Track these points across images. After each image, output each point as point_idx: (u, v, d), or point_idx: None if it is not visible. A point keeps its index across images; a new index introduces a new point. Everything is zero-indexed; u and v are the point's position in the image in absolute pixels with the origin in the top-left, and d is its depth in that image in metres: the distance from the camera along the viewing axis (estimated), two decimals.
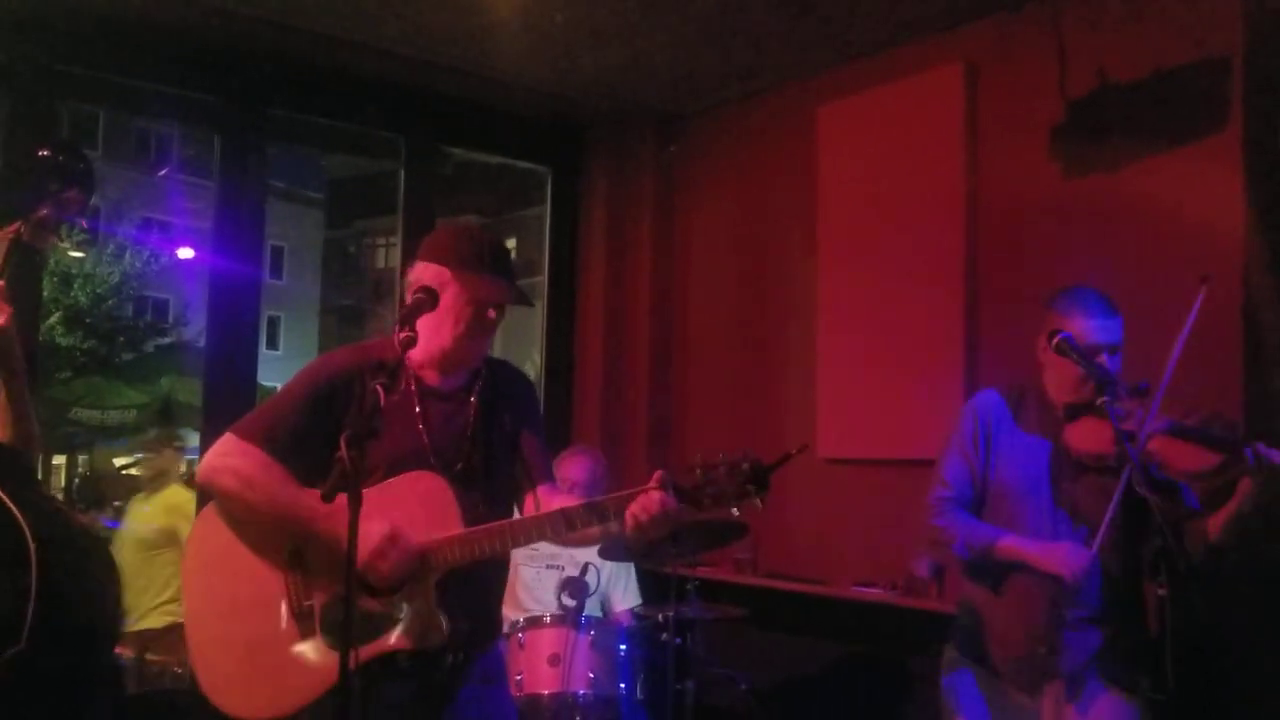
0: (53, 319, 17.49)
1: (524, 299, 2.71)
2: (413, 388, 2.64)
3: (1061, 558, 2.96)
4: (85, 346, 19.60)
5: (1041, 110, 4.52)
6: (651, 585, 5.02)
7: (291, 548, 2.54)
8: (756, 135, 5.95)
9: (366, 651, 2.42)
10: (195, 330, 21.05)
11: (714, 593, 5.03)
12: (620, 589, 4.92)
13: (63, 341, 18.67)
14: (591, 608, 4.60)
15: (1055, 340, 3.01)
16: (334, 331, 34.34)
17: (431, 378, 2.68)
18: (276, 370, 26.14)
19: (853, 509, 5.19)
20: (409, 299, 2.57)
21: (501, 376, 2.79)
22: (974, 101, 4.84)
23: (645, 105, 6.17)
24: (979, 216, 4.81)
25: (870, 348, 5.16)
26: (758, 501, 2.39)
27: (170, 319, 24.69)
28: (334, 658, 2.29)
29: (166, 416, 11.62)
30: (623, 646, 4.46)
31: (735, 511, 2.42)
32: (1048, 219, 4.51)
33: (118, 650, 6.30)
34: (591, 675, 4.35)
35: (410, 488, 2.53)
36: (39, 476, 2.82)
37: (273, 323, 29.99)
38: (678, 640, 4.43)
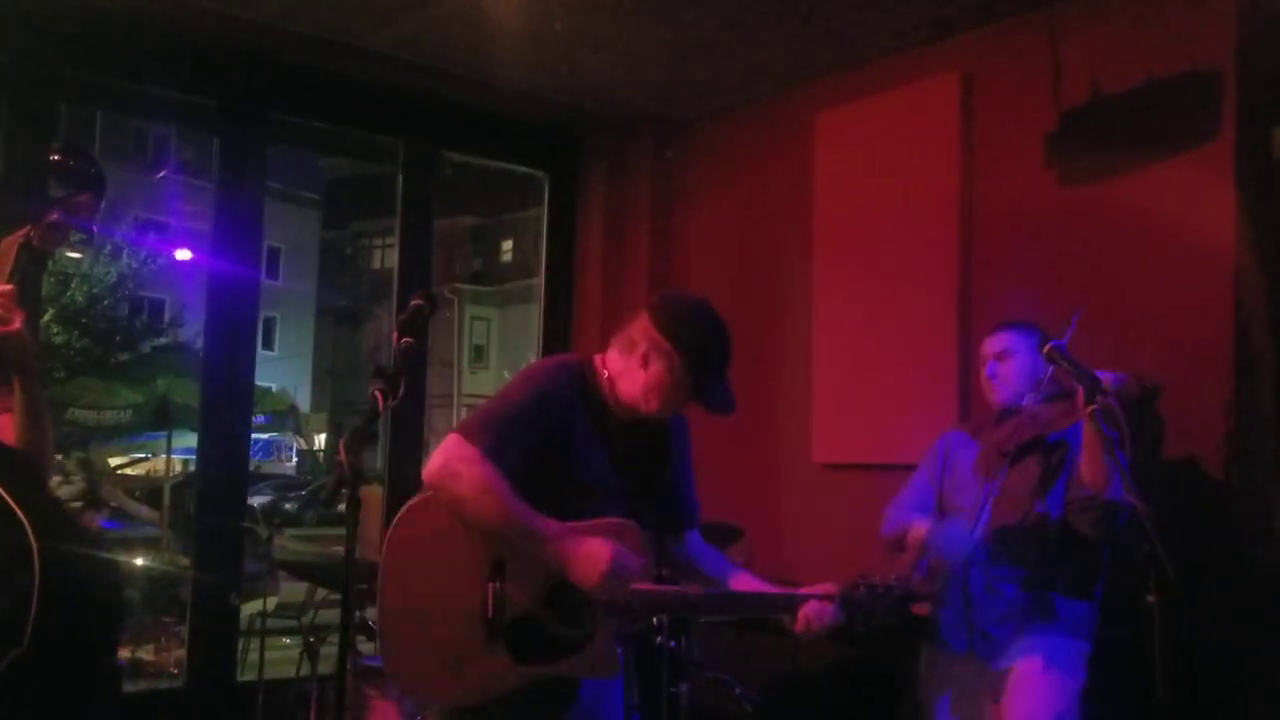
0: (46, 317, 17.47)
1: (729, 409, 2.85)
2: (612, 419, 2.74)
3: (939, 539, 3.39)
4: (81, 346, 19.57)
5: (1036, 119, 4.55)
6: None
7: (495, 558, 2.58)
8: (753, 141, 5.97)
9: (539, 670, 2.56)
10: (192, 331, 21.02)
11: None
12: None
13: (58, 340, 18.65)
14: None
15: (1046, 348, 3.07)
16: (330, 332, 34.36)
17: (623, 412, 2.75)
18: (272, 371, 26.20)
19: (847, 513, 5.20)
20: (639, 351, 2.70)
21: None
22: (969, 110, 4.87)
23: (643, 110, 6.19)
24: (974, 224, 4.84)
25: (865, 353, 5.18)
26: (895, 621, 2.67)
27: (166, 319, 24.67)
28: (511, 670, 2.53)
29: (162, 417, 11.60)
30: (617, 649, 4.47)
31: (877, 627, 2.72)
32: (1042, 227, 4.54)
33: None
34: None
35: (611, 533, 2.60)
36: (51, 479, 2.83)
37: (268, 323, 29.98)
38: (672, 644, 4.44)
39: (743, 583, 2.86)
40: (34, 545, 2.20)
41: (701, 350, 2.75)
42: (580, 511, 2.61)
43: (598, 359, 2.77)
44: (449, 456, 2.55)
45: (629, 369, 2.69)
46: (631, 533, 2.62)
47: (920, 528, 3.44)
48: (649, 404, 2.68)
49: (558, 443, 2.63)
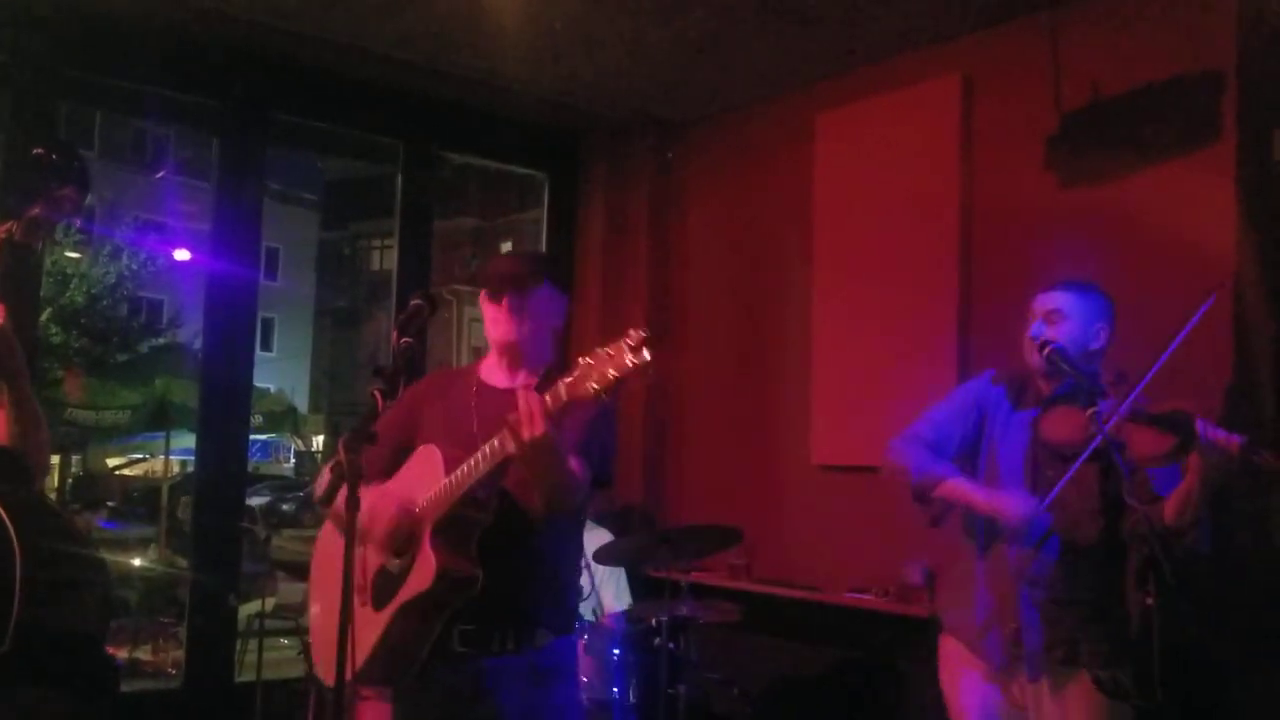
0: (44, 316, 17.45)
1: (518, 272, 2.91)
2: (472, 389, 2.89)
3: (1004, 502, 3.03)
4: (79, 345, 19.55)
5: (1036, 122, 4.55)
6: (645, 589, 5.04)
7: (363, 532, 2.70)
8: (753, 143, 5.98)
9: (389, 609, 2.64)
10: (190, 332, 21.00)
11: (708, 597, 5.04)
12: (612, 591, 4.94)
13: (56, 340, 18.64)
14: (584, 613, 4.62)
15: (1046, 351, 3.05)
16: (328, 333, 34.33)
17: (496, 379, 2.91)
18: (270, 372, 26.18)
19: (846, 515, 5.20)
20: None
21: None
22: (970, 112, 4.87)
23: (643, 112, 6.19)
24: (974, 226, 4.84)
25: (864, 355, 5.18)
26: (644, 362, 2.19)
27: (165, 320, 24.64)
28: (375, 618, 2.66)
29: (161, 418, 11.61)
30: (616, 651, 4.47)
31: (622, 375, 2.22)
32: (1042, 229, 4.54)
33: (111, 650, 6.31)
34: (584, 680, 4.36)
35: (413, 461, 2.78)
36: (45, 477, 2.81)
37: (267, 324, 29.95)
38: (671, 645, 4.44)
39: None
40: (15, 543, 2.19)
41: (490, 275, 2.97)
42: None
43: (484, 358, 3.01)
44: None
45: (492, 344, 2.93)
46: (423, 452, 2.74)
47: (960, 484, 3.13)
48: (493, 343, 2.90)
49: (418, 429, 2.84)
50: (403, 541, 2.67)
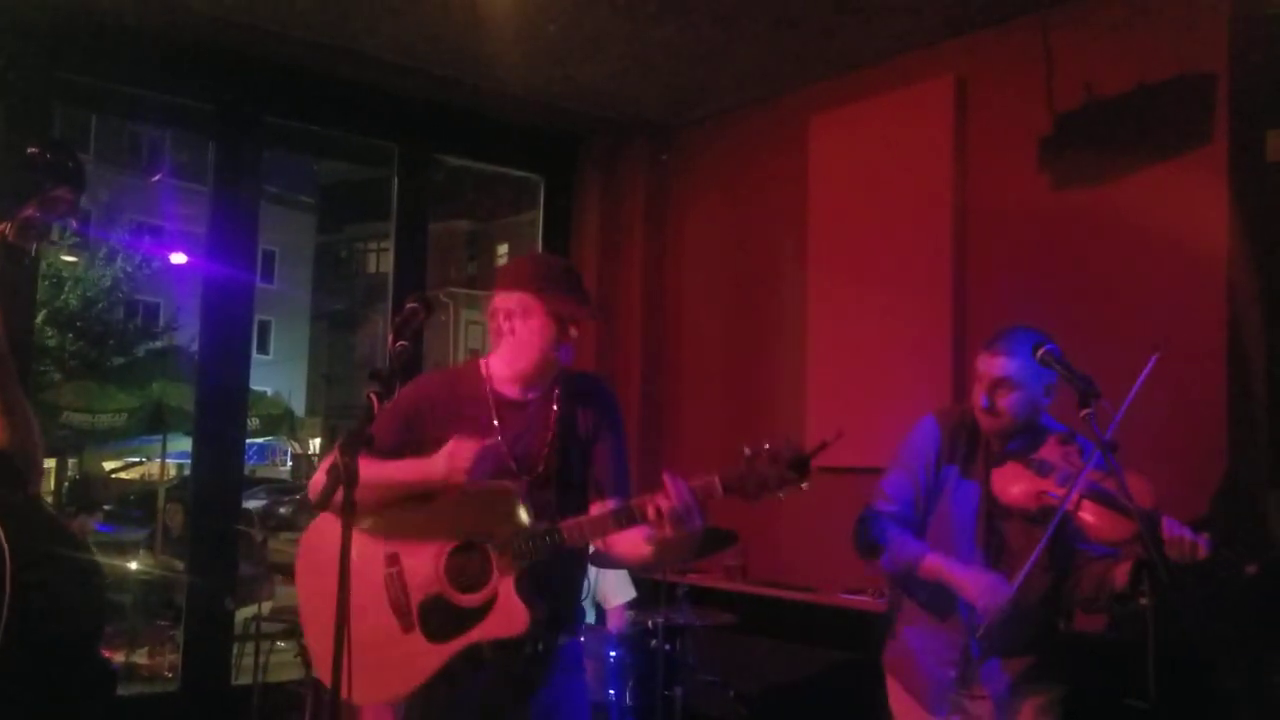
0: (39, 319, 17.44)
1: (600, 314, 2.81)
2: (490, 401, 2.78)
3: (982, 588, 3.01)
4: (75, 349, 19.54)
5: (1029, 122, 4.56)
6: (642, 592, 5.04)
7: (388, 554, 2.70)
8: (748, 144, 5.98)
9: (455, 644, 2.61)
10: (186, 335, 20.99)
11: (704, 599, 5.04)
12: (612, 585, 4.94)
13: (52, 343, 18.63)
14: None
15: (1040, 352, 3.04)
16: (324, 336, 34.31)
17: (511, 391, 2.80)
18: (267, 375, 26.15)
19: (841, 517, 5.18)
20: (493, 326, 2.77)
21: (580, 388, 2.89)
22: (963, 114, 4.89)
23: (638, 114, 6.20)
24: (967, 227, 4.85)
25: (859, 357, 5.19)
26: (802, 486, 2.51)
27: (161, 323, 24.62)
28: (430, 650, 2.61)
29: (157, 421, 11.58)
30: (612, 653, 4.48)
31: (781, 495, 2.52)
32: (1035, 230, 4.55)
33: (107, 654, 6.30)
34: None
35: (480, 493, 2.66)
36: (40, 480, 2.79)
37: (263, 327, 29.91)
38: (667, 647, 4.44)
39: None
40: (4, 546, 2.19)
41: (535, 271, 2.78)
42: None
43: (481, 361, 2.85)
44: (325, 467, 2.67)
45: (502, 351, 2.78)
46: (495, 486, 2.66)
47: (937, 563, 3.12)
48: (545, 349, 2.73)
49: (427, 438, 2.71)
50: (472, 576, 2.63)
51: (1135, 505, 2.77)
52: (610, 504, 2.72)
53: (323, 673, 2.80)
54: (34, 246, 2.59)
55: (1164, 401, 3.88)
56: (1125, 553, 2.95)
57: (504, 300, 2.76)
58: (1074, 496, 2.91)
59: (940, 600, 3.16)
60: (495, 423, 2.75)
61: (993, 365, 3.11)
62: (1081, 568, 3.09)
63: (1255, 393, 3.79)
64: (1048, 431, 3.11)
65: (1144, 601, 2.82)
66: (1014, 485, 3.05)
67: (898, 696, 3.37)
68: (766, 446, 2.53)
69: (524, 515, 2.61)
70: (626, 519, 2.55)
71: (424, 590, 2.65)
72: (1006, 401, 3.08)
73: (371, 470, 2.51)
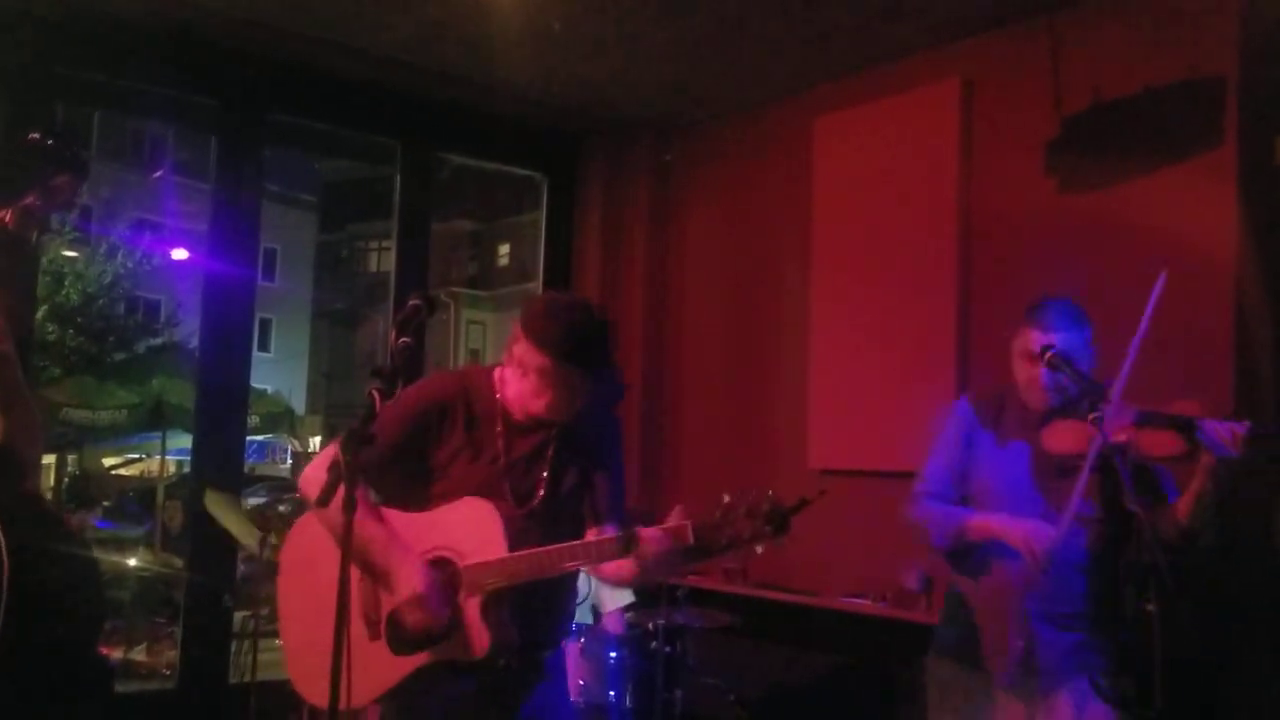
0: (40, 314, 17.43)
1: (609, 395, 2.79)
2: (501, 421, 2.74)
3: (1027, 530, 2.98)
4: (75, 344, 19.52)
5: (1036, 126, 4.54)
6: (642, 594, 5.01)
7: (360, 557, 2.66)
8: (752, 146, 5.97)
9: (413, 661, 2.60)
10: (186, 331, 20.97)
11: (704, 602, 5.02)
12: (609, 590, 4.92)
13: (52, 338, 18.61)
14: (581, 614, 4.60)
15: (1047, 356, 3.02)
16: (326, 335, 34.31)
17: (519, 415, 2.75)
18: (267, 373, 26.13)
19: (843, 520, 5.16)
20: (507, 355, 2.71)
21: (587, 415, 2.82)
22: (969, 116, 4.87)
23: (642, 114, 6.18)
24: (972, 230, 4.83)
25: (862, 359, 5.17)
26: (779, 541, 2.46)
27: (162, 320, 24.60)
28: (393, 661, 2.60)
29: (157, 418, 11.57)
30: (613, 654, 4.46)
31: (758, 550, 2.48)
32: (1041, 234, 4.53)
33: (105, 650, 6.28)
34: (581, 683, 4.36)
35: (463, 513, 2.64)
36: (38, 473, 2.77)
37: (264, 325, 29.91)
38: (667, 649, 4.43)
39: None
40: (2, 543, 2.17)
41: (555, 335, 2.63)
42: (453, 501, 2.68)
43: (496, 370, 2.78)
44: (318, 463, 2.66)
45: (513, 378, 2.71)
46: (477, 507, 2.63)
47: (983, 520, 3.08)
48: (543, 404, 2.67)
49: (432, 441, 2.70)
50: (419, 637, 2.61)
51: (1174, 412, 2.82)
52: (607, 532, 2.70)
53: (294, 674, 2.79)
54: (34, 236, 2.56)
55: (1174, 402, 3.87)
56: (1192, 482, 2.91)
57: (524, 351, 2.65)
58: (1121, 424, 2.88)
59: (992, 576, 3.12)
60: (501, 445, 2.72)
61: (1046, 341, 3.06)
62: (1160, 515, 2.98)
63: (1263, 400, 3.77)
64: (1101, 387, 3.01)
65: (1150, 608, 2.80)
66: (1062, 436, 3.02)
67: (953, 683, 3.26)
68: (742, 499, 2.49)
69: (502, 542, 2.57)
70: (624, 549, 2.55)
71: (394, 600, 2.62)
72: (1063, 375, 3.04)
73: (363, 522, 2.50)
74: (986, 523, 3.09)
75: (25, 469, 2.52)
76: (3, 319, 2.45)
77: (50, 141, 2.54)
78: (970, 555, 3.18)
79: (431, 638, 2.58)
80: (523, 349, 2.65)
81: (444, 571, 2.59)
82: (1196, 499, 2.90)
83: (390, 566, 2.59)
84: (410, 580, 2.56)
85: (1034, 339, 3.09)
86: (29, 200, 2.50)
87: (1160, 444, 2.89)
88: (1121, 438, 2.89)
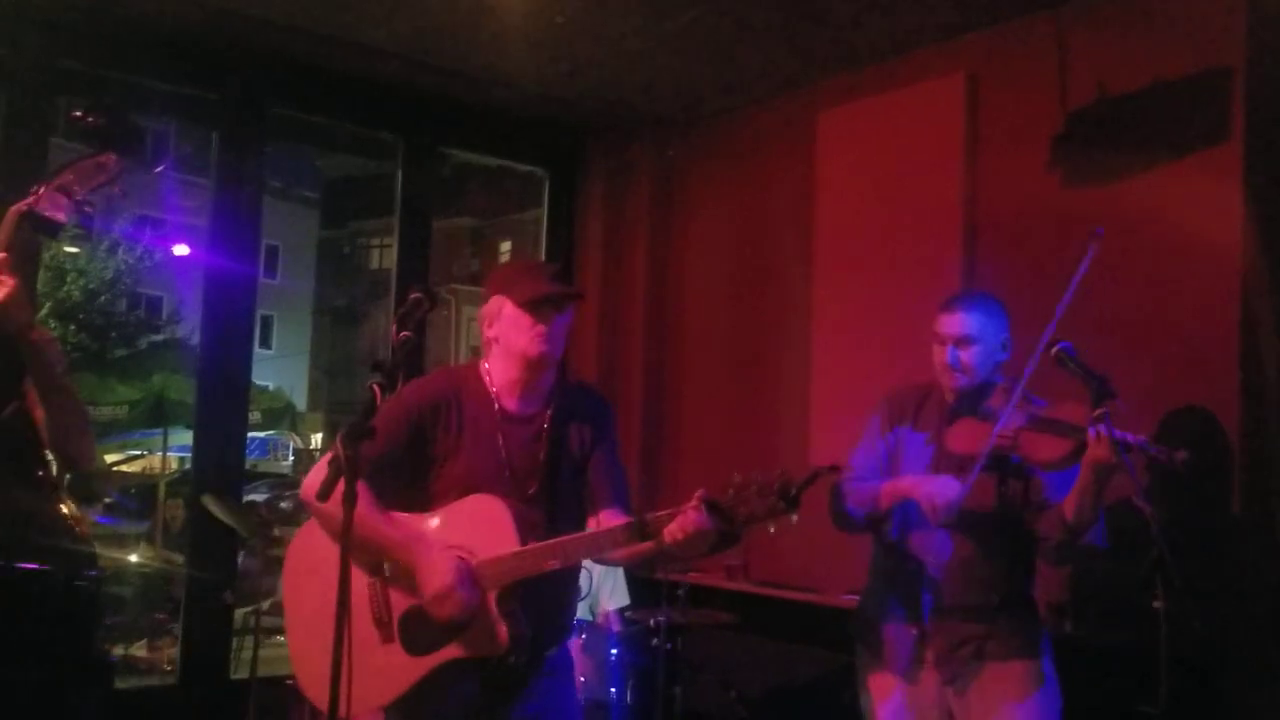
0: (42, 310, 17.44)
1: (569, 292, 2.81)
2: (495, 413, 2.77)
3: (933, 485, 3.09)
4: (76, 341, 19.54)
5: (1041, 120, 4.52)
6: (642, 591, 5.01)
7: (373, 561, 2.69)
8: (755, 141, 5.95)
9: (433, 659, 2.61)
10: (188, 328, 20.99)
11: (705, 599, 5.01)
12: (608, 590, 4.92)
13: (53, 334, 18.62)
14: (581, 611, 4.59)
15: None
16: (327, 332, 34.33)
17: (511, 404, 2.80)
18: (269, 370, 26.15)
19: None
20: (483, 339, 2.81)
21: (577, 401, 2.89)
22: (974, 111, 4.84)
23: (644, 109, 6.16)
24: (977, 226, 4.81)
25: (865, 356, 5.15)
26: (791, 518, 2.48)
27: (164, 316, 24.63)
28: (409, 662, 2.61)
29: (158, 414, 11.57)
30: (613, 651, 4.46)
31: (771, 529, 2.49)
32: (1046, 229, 4.50)
33: (105, 646, 6.27)
34: (582, 679, 4.34)
35: (471, 509, 2.66)
36: (90, 464, 2.73)
37: (266, 322, 29.96)
38: (668, 646, 4.42)
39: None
40: None
41: (508, 273, 2.87)
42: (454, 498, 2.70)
43: (482, 364, 2.85)
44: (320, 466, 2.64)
45: (498, 356, 2.79)
46: (487, 503, 2.65)
47: (891, 483, 3.24)
48: (532, 351, 2.72)
49: (428, 441, 2.73)
50: (452, 626, 2.62)
51: (1071, 423, 2.92)
52: (618, 519, 2.70)
53: (302, 679, 2.80)
54: (64, 220, 2.44)
55: (1176, 403, 3.86)
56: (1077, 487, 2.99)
57: (484, 309, 2.80)
58: (1009, 427, 3.03)
59: (899, 555, 3.29)
60: (499, 438, 2.74)
61: (952, 323, 3.26)
62: (1047, 516, 3.11)
63: (1269, 396, 3.75)
64: (995, 385, 3.22)
65: (1157, 604, 2.80)
66: (962, 436, 3.15)
67: (865, 663, 3.43)
68: (755, 476, 2.51)
69: (514, 536, 2.59)
70: (638, 535, 2.56)
71: (405, 602, 2.64)
72: (969, 355, 3.22)
73: (367, 514, 2.51)
74: (896, 484, 3.23)
75: (77, 460, 2.46)
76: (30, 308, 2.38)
77: (91, 119, 2.44)
78: (885, 529, 3.32)
79: (457, 630, 2.58)
80: (493, 309, 2.76)
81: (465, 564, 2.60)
82: (1081, 498, 2.97)
83: (414, 562, 2.60)
84: (437, 571, 2.56)
85: (941, 322, 3.30)
86: (64, 178, 2.40)
87: (1046, 447, 3.00)
88: (1006, 441, 3.04)
